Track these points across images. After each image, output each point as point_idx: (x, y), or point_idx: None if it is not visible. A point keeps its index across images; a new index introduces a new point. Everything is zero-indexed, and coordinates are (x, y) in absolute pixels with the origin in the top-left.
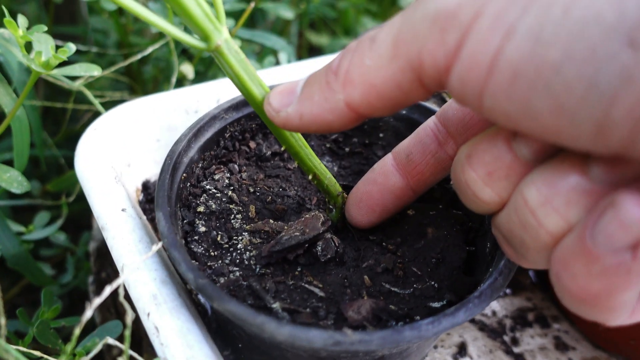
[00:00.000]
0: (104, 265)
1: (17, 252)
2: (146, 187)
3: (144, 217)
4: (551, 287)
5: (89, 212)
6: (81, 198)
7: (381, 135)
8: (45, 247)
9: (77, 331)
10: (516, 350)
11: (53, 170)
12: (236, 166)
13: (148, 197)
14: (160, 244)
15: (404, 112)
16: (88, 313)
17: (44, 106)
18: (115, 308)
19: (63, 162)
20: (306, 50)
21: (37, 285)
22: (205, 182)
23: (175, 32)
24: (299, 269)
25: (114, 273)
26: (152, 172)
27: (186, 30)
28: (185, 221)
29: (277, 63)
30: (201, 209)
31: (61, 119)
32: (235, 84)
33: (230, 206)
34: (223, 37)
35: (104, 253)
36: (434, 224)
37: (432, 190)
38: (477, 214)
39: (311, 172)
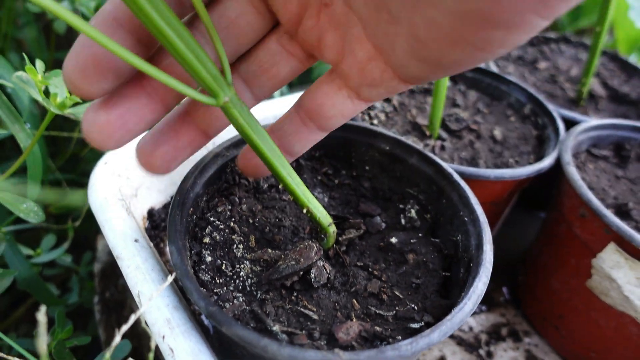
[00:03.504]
0: (108, 286)
1: (27, 275)
2: (151, 214)
3: (152, 244)
4: (522, 304)
5: (91, 232)
6: (83, 219)
7: (367, 168)
8: (49, 267)
9: (107, 355)
10: None
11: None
12: (236, 198)
13: (153, 224)
14: (173, 275)
15: (387, 147)
16: (117, 338)
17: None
18: (118, 326)
19: (65, 185)
20: None
21: (46, 305)
22: (209, 214)
23: (187, 90)
24: (295, 294)
25: (117, 293)
26: (157, 200)
27: None
28: (193, 251)
29: None
30: (207, 240)
31: (63, 144)
32: (240, 133)
33: (233, 237)
34: (229, 94)
35: (107, 274)
36: (414, 250)
37: (412, 220)
38: (452, 242)
39: (305, 207)
